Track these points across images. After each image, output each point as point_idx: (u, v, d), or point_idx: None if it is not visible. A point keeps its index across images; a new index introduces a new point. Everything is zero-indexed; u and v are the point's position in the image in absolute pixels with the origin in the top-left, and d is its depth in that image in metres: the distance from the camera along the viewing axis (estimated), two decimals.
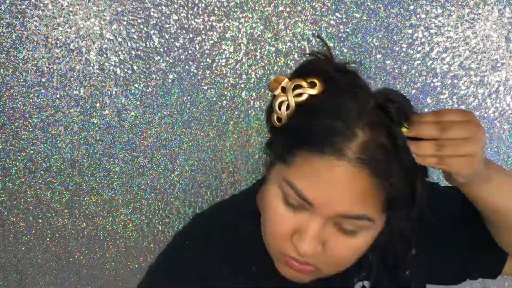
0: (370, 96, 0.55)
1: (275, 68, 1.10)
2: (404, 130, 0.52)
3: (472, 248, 0.71)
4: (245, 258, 0.66)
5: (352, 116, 0.52)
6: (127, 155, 1.17)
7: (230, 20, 1.07)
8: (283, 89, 0.56)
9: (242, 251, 0.66)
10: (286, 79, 0.57)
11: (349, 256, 0.57)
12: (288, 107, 0.56)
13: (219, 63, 1.10)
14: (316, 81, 0.55)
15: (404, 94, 0.58)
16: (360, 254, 0.59)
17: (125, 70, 1.10)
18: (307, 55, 0.62)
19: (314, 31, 1.09)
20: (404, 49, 1.10)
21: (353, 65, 0.63)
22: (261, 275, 0.65)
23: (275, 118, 0.57)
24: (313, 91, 0.55)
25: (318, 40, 1.09)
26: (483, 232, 0.68)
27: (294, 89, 0.56)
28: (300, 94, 0.56)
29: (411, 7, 1.08)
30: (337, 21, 1.08)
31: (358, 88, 0.57)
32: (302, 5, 1.07)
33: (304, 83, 0.56)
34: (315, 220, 0.54)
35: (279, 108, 0.56)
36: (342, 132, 0.51)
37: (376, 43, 1.10)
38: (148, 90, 1.12)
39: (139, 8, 1.06)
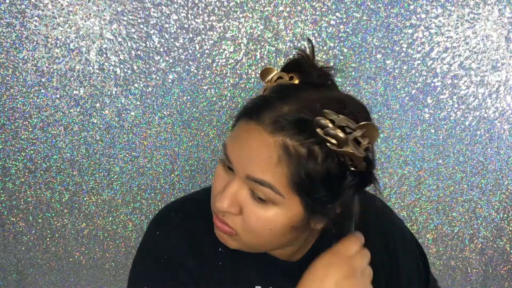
0: (322, 100, 0.59)
1: (275, 68, 1.10)
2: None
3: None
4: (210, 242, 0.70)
5: (288, 95, 0.59)
6: (127, 155, 1.17)
7: (230, 20, 1.07)
8: (271, 79, 0.66)
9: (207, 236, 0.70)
10: (276, 71, 0.67)
11: (262, 227, 0.61)
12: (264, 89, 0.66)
13: (219, 63, 1.10)
14: (295, 76, 0.64)
15: (365, 107, 0.62)
16: (276, 233, 0.61)
17: (125, 70, 1.10)
18: (296, 50, 0.69)
19: (314, 31, 1.09)
20: (404, 49, 1.10)
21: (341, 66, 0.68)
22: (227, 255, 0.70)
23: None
24: (290, 83, 0.64)
25: (318, 40, 1.09)
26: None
27: (276, 79, 0.65)
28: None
29: (411, 7, 1.08)
30: (337, 21, 1.08)
31: (322, 88, 0.63)
32: (302, 5, 1.07)
33: (286, 76, 0.64)
34: (234, 181, 0.60)
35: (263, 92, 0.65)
36: (271, 104, 0.58)
37: (376, 43, 1.10)
38: (148, 90, 1.12)
39: (139, 8, 1.06)
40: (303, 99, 0.58)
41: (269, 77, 0.66)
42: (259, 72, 0.67)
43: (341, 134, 0.55)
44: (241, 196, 0.60)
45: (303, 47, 1.09)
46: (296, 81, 0.63)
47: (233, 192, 0.60)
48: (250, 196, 0.60)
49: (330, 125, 0.55)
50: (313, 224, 0.63)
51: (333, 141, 0.55)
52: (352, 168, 0.57)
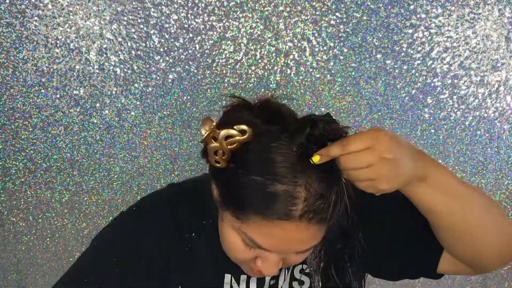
0: (293, 140, 0.58)
1: (275, 68, 1.10)
2: (315, 159, 0.57)
3: (407, 240, 0.73)
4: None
5: (288, 175, 0.56)
6: (127, 155, 1.17)
7: (230, 20, 1.07)
8: (215, 138, 0.60)
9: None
10: (216, 130, 0.60)
11: (303, 259, 0.66)
12: (223, 153, 0.60)
13: (219, 63, 1.10)
14: (246, 129, 0.59)
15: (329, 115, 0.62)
16: None
17: (125, 70, 1.10)
18: (225, 107, 0.66)
19: (314, 31, 1.09)
20: (404, 49, 1.10)
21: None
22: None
23: (213, 161, 0.61)
24: (244, 138, 0.59)
25: (318, 39, 1.09)
26: (418, 226, 0.70)
27: (226, 138, 0.59)
28: (233, 143, 0.59)
29: (411, 7, 1.07)
30: (337, 20, 1.08)
31: (283, 134, 0.59)
32: (302, 5, 1.07)
33: (234, 132, 0.59)
34: (272, 255, 0.62)
35: (216, 154, 0.60)
36: (283, 196, 0.56)
37: (376, 43, 1.10)
38: (148, 90, 1.12)
39: (139, 8, 1.06)
40: (301, 174, 0.57)
41: (217, 138, 0.59)
42: (201, 132, 0.61)
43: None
44: (283, 255, 0.63)
45: (303, 47, 1.09)
46: (250, 134, 0.58)
47: (278, 260, 0.63)
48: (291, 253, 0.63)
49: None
50: None
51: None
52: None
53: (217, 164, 0.60)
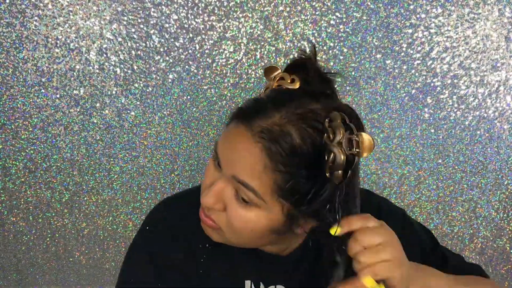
0: (323, 107, 0.60)
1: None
2: (335, 231, 0.60)
3: None
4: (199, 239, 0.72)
5: (288, 105, 0.59)
6: (127, 155, 1.17)
7: (230, 20, 1.07)
8: (273, 78, 0.66)
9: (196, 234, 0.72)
10: (279, 70, 0.66)
11: (243, 226, 0.63)
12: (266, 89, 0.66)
13: (219, 63, 1.10)
14: (296, 79, 0.63)
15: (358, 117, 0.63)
16: (257, 233, 0.63)
17: (125, 70, 1.10)
18: (301, 51, 0.69)
19: (314, 31, 1.09)
20: (404, 49, 1.10)
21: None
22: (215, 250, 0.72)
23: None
24: (291, 86, 0.63)
25: (317, 39, 1.09)
26: None
27: (278, 79, 0.65)
28: (280, 84, 0.65)
29: (411, 6, 1.08)
30: (337, 20, 1.08)
31: (322, 96, 0.62)
32: (302, 4, 1.07)
33: (287, 78, 0.64)
34: (221, 179, 0.62)
35: (264, 91, 0.66)
36: (264, 110, 0.59)
37: (376, 43, 1.10)
38: (148, 90, 1.12)
39: (139, 8, 1.06)
40: (297, 109, 0.58)
41: (272, 76, 0.66)
42: (263, 70, 0.68)
43: (341, 134, 0.55)
44: (226, 194, 0.62)
45: (303, 48, 1.09)
46: (297, 85, 0.63)
47: (219, 190, 0.62)
48: (235, 196, 0.62)
49: (339, 121, 0.56)
50: (294, 228, 0.65)
51: (332, 136, 0.56)
52: (327, 175, 0.57)
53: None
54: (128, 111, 1.13)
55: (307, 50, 0.67)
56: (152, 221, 0.76)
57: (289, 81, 0.64)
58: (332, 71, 0.67)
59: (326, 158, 0.55)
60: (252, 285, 0.73)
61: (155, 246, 0.72)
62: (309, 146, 0.57)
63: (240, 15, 1.07)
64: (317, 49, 1.09)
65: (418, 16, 1.08)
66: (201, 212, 0.66)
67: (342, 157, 0.55)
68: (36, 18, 1.07)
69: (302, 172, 0.57)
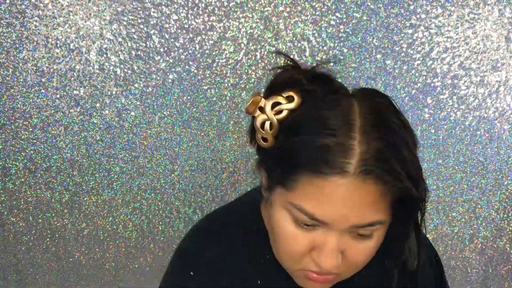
0: (350, 100, 0.56)
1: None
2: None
3: None
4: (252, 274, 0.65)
5: (340, 128, 0.52)
6: (127, 155, 1.17)
7: (230, 20, 1.07)
8: (261, 109, 0.56)
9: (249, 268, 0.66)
10: (263, 99, 0.56)
11: (367, 258, 0.58)
12: (271, 125, 0.55)
13: (219, 63, 1.10)
14: (293, 95, 0.55)
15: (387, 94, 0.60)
16: (374, 253, 0.59)
17: (125, 70, 1.10)
18: (274, 69, 0.61)
19: (314, 31, 1.09)
20: (404, 49, 1.10)
21: (328, 66, 0.63)
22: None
23: (260, 138, 0.57)
24: (292, 105, 0.55)
25: (317, 40, 1.09)
26: None
27: (272, 107, 0.55)
28: (280, 111, 0.55)
29: (411, 7, 1.08)
30: (337, 21, 1.08)
31: (336, 94, 0.57)
32: (302, 5, 1.07)
33: (281, 99, 0.55)
34: (332, 235, 0.54)
35: (262, 128, 0.56)
36: (337, 148, 0.51)
37: (376, 43, 1.10)
38: (148, 90, 1.12)
39: (139, 8, 1.06)
40: (355, 125, 0.52)
41: (258, 107, 0.56)
42: (246, 109, 0.57)
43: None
44: (342, 244, 0.55)
45: (303, 47, 1.09)
46: (298, 101, 0.55)
47: (337, 247, 0.55)
48: (352, 238, 0.55)
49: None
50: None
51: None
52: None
53: (264, 143, 0.56)
54: (128, 111, 1.13)
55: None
56: (196, 241, 0.68)
57: (285, 102, 0.55)
58: (320, 64, 0.62)
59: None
60: None
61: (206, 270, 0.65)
62: (406, 143, 0.53)
63: (240, 15, 1.07)
64: (317, 49, 1.09)
65: (418, 16, 1.08)
66: (311, 275, 0.58)
67: None
68: (36, 18, 1.07)
69: (405, 176, 0.52)
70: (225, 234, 0.68)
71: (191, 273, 0.65)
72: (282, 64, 0.60)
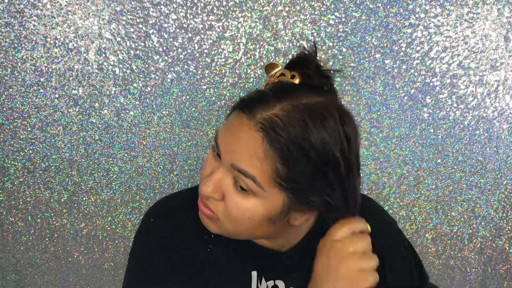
0: (328, 98, 0.63)
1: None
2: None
3: None
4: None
5: (289, 97, 0.60)
6: (126, 155, 1.17)
7: (229, 20, 1.07)
8: (274, 74, 0.68)
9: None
10: (280, 67, 0.68)
11: (241, 215, 0.63)
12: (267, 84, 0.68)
13: (218, 63, 1.10)
14: (297, 75, 0.65)
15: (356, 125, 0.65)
16: (254, 223, 0.64)
17: (124, 69, 1.10)
18: (301, 49, 0.71)
19: (313, 31, 1.09)
20: (403, 49, 1.10)
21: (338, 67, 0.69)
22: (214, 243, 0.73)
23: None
24: (291, 81, 0.65)
25: (317, 39, 1.09)
26: None
27: (279, 76, 0.66)
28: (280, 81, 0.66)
29: (410, 6, 1.08)
30: (336, 20, 1.08)
31: (321, 90, 0.65)
32: (301, 4, 1.07)
33: (288, 74, 0.66)
34: (220, 168, 0.64)
35: (265, 87, 0.67)
36: (266, 101, 0.60)
37: (375, 43, 1.10)
38: (147, 90, 1.12)
39: (138, 8, 1.06)
40: (300, 107, 0.60)
41: (273, 72, 0.68)
42: (264, 66, 0.69)
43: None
44: (224, 183, 0.63)
45: (302, 47, 1.09)
46: (297, 81, 0.65)
47: (218, 179, 0.63)
48: (233, 185, 0.63)
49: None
50: (292, 219, 0.66)
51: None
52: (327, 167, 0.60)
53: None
54: (127, 111, 1.13)
55: (307, 47, 0.69)
56: (153, 218, 0.76)
57: (289, 77, 0.65)
58: (332, 71, 0.69)
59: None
60: (257, 277, 0.74)
61: (161, 241, 0.72)
62: (309, 138, 0.58)
63: (239, 15, 1.07)
64: (316, 49, 1.09)
65: (417, 16, 1.08)
66: (199, 202, 0.68)
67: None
68: (34, 18, 1.06)
69: (301, 162, 0.58)
70: (180, 198, 0.79)
71: (166, 231, 0.73)
72: (306, 50, 0.69)
